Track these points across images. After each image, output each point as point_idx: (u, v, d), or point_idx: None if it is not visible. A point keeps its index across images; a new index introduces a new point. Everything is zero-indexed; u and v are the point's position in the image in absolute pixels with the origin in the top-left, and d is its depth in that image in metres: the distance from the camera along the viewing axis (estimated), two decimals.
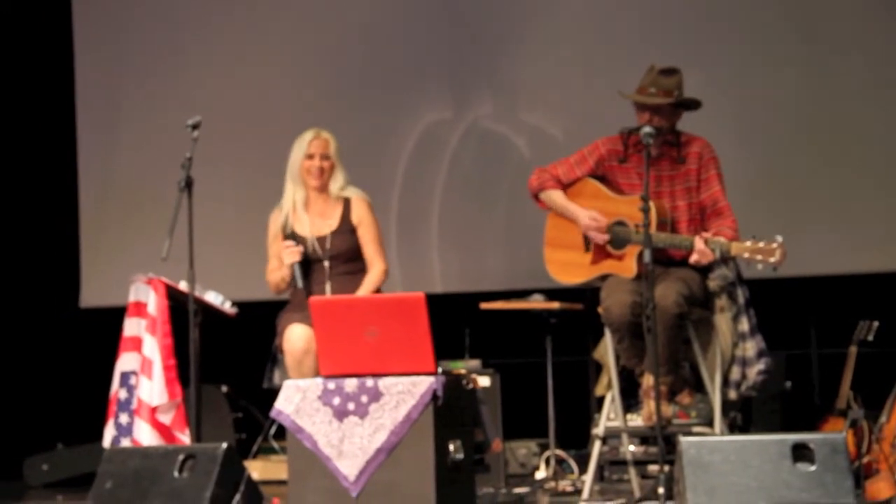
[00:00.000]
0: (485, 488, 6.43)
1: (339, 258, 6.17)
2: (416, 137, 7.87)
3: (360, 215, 6.21)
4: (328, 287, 6.15)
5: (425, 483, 4.92)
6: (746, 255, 5.45)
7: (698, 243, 5.55)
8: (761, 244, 5.42)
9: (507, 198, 7.61)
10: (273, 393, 5.28)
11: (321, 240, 6.18)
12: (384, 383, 5.01)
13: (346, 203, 6.23)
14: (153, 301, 5.96)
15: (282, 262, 6.18)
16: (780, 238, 5.40)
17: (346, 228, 6.20)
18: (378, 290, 6.17)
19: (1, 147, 8.32)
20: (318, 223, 6.21)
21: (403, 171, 7.86)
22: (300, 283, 6.12)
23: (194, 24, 8.26)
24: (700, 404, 5.96)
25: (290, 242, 6.15)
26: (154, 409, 5.87)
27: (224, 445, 5.11)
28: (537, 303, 6.79)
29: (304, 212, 6.21)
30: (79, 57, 8.39)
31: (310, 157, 6.20)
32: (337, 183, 6.23)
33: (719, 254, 5.53)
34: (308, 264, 6.18)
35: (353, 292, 6.08)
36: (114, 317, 6.31)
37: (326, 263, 6.18)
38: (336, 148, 6.23)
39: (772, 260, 5.40)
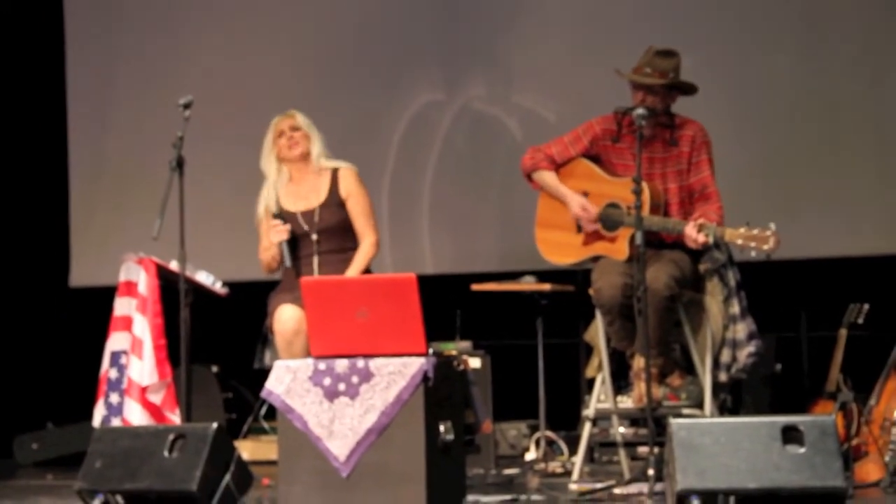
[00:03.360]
0: (475, 469, 6.43)
1: (328, 232, 6.14)
2: (409, 119, 7.85)
3: (349, 188, 6.18)
4: (315, 261, 6.12)
5: (415, 464, 4.91)
6: (740, 241, 5.43)
7: (690, 229, 5.54)
8: (755, 231, 5.40)
9: (500, 179, 7.60)
10: (263, 373, 5.27)
11: (309, 213, 6.15)
12: (375, 364, 5.00)
13: (334, 175, 6.20)
14: (144, 281, 5.96)
15: (272, 241, 6.17)
16: (773, 226, 5.38)
17: (335, 201, 6.16)
18: (370, 263, 6.16)
19: None
20: (305, 197, 6.18)
21: (395, 153, 7.84)
22: (288, 262, 6.10)
23: (186, 4, 8.23)
24: (690, 386, 5.96)
25: (277, 221, 6.12)
26: (144, 389, 5.87)
27: (214, 425, 5.09)
28: (528, 284, 6.79)
29: (293, 185, 6.18)
30: (69, 36, 8.36)
31: (280, 134, 6.20)
32: (315, 149, 6.21)
33: (713, 239, 5.52)
34: (296, 242, 6.16)
35: (342, 273, 6.06)
36: (104, 296, 6.30)
37: (314, 237, 6.15)
38: (304, 118, 6.23)
39: (765, 247, 5.38)
